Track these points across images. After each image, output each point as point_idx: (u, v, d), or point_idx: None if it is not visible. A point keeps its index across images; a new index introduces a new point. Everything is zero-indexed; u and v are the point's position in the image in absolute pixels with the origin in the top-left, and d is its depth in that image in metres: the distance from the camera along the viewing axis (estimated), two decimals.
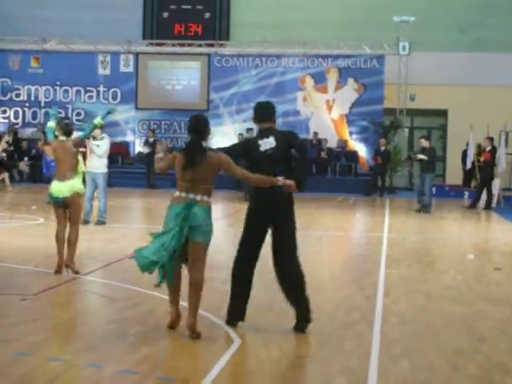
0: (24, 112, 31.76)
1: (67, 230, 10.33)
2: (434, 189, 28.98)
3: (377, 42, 29.93)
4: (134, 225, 15.88)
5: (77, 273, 10.09)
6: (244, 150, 7.58)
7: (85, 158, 14.75)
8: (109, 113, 11.08)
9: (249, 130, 27.44)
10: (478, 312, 8.76)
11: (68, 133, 10.59)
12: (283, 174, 7.18)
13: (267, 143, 7.33)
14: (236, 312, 7.55)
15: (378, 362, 6.48)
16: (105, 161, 15.79)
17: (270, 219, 7.41)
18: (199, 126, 7.28)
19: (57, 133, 10.79)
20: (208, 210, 7.17)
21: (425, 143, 21.21)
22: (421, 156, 20.86)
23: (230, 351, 6.66)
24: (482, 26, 31.03)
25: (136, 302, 8.59)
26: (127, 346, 6.86)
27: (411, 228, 17.77)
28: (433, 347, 7.07)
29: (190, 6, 32.93)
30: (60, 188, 10.17)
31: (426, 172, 21.00)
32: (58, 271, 10.10)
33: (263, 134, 7.44)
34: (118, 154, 29.74)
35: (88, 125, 11.39)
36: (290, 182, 7.16)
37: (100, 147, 15.50)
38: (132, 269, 10.82)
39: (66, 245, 10.25)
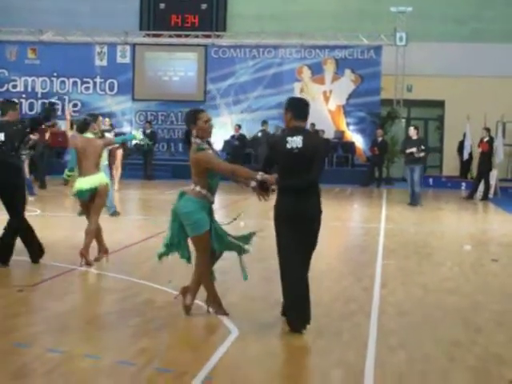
0: (21, 103, 31.68)
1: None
2: (431, 180, 29.19)
3: (374, 33, 29.92)
4: (131, 216, 15.88)
5: (90, 264, 10.11)
6: (272, 152, 7.41)
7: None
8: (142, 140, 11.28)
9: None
10: (475, 303, 8.77)
11: (83, 130, 10.60)
12: (308, 174, 7.11)
13: (295, 142, 7.13)
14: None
15: (374, 353, 6.50)
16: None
17: None
18: (185, 120, 7.68)
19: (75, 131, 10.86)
20: (190, 200, 7.33)
21: (413, 133, 20.62)
22: (420, 154, 20.21)
23: (227, 342, 6.68)
24: (479, 16, 31.02)
25: (134, 293, 8.60)
26: (125, 337, 6.88)
27: (408, 219, 17.78)
28: (430, 338, 7.09)
29: None
30: (85, 180, 10.25)
31: (418, 163, 20.46)
32: (97, 259, 10.37)
33: (294, 132, 7.23)
34: None
35: (128, 135, 11.56)
36: (268, 176, 7.12)
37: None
38: (129, 260, 10.88)
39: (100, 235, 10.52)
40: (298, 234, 7.12)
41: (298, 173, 7.09)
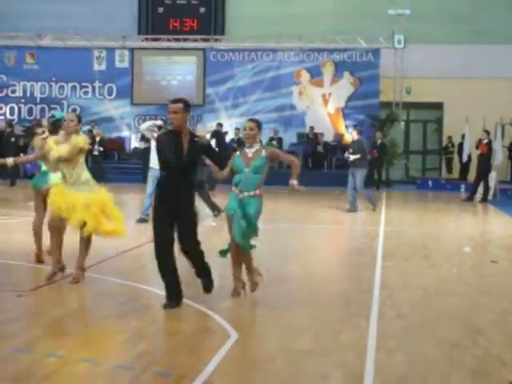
0: (20, 108, 31.72)
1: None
2: (430, 182, 29.17)
3: (372, 36, 29.91)
4: (130, 220, 15.83)
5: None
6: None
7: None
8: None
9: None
10: (475, 305, 8.76)
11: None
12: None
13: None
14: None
15: (374, 355, 6.48)
16: None
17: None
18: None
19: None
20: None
21: (353, 134, 19.75)
22: (353, 157, 18.85)
23: (226, 346, 6.66)
24: (477, 18, 30.98)
25: (132, 298, 8.57)
26: (124, 342, 6.86)
27: (407, 221, 17.77)
28: (429, 340, 7.07)
29: (185, 1, 32.90)
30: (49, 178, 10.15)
31: (357, 168, 19.09)
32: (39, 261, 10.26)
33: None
34: (114, 149, 29.78)
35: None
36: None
37: None
38: (128, 264, 10.85)
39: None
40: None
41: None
